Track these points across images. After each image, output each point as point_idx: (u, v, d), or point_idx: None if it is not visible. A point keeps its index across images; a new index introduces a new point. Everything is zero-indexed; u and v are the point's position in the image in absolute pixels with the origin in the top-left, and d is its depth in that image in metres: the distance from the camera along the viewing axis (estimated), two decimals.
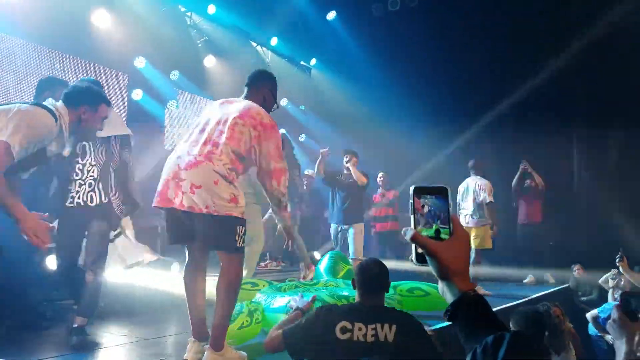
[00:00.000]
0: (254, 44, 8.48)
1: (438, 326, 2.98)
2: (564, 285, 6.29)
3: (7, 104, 2.33)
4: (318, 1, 8.37)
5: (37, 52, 5.64)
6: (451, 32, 8.05)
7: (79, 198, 2.92)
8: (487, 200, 5.63)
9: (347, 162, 5.48)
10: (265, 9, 7.64)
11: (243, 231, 2.37)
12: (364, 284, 2.22)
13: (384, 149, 8.21)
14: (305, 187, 6.99)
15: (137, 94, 6.60)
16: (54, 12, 5.44)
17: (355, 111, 8.60)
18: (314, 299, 2.85)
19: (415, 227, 0.90)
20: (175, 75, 7.07)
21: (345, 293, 3.26)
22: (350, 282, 3.45)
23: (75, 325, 2.87)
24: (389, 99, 8.56)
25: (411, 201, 0.91)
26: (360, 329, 2.03)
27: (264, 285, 3.74)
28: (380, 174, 7.02)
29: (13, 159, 2.16)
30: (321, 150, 5.38)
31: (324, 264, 4.21)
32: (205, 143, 2.37)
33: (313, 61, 9.47)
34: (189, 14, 7.37)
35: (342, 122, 8.69)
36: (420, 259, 0.90)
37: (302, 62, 9.40)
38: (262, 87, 2.69)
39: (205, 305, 2.54)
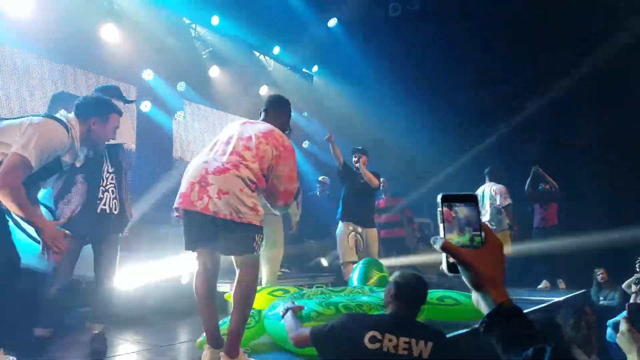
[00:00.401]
0: (257, 54, 8.63)
1: (455, 333, 3.03)
2: (581, 291, 6.16)
3: (20, 117, 2.39)
4: (319, 9, 8.49)
5: (50, 67, 5.83)
6: (454, 35, 8.09)
7: (104, 205, 3.02)
8: (505, 204, 5.80)
9: (356, 162, 5.12)
10: (267, 19, 7.77)
11: (260, 239, 2.44)
12: (401, 296, 2.19)
13: (387, 155, 8.25)
14: (318, 193, 7.12)
15: (146, 106, 6.75)
16: (64, 27, 5.62)
17: (358, 117, 8.74)
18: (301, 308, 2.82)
19: (444, 236, 0.87)
20: (181, 86, 7.22)
21: (365, 299, 3.26)
22: (379, 289, 3.55)
23: (96, 332, 2.98)
24: (392, 104, 8.66)
25: (439, 209, 0.88)
26: (390, 340, 2.03)
27: (294, 292, 3.71)
28: (380, 180, 7.07)
29: (30, 171, 2.22)
30: (326, 137, 4.91)
31: (356, 270, 4.15)
32: (231, 154, 2.46)
33: (315, 68, 9.61)
34: (193, 25, 7.51)
35: (345, 128, 8.82)
36: (452, 269, 0.87)
37: (304, 70, 9.54)
38: (279, 112, 2.83)
39: (217, 311, 2.60)
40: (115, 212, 3.06)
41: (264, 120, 2.76)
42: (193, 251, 2.54)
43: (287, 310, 2.64)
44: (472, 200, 0.89)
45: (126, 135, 3.20)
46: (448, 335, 2.84)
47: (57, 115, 2.49)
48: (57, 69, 5.90)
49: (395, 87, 8.63)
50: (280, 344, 2.87)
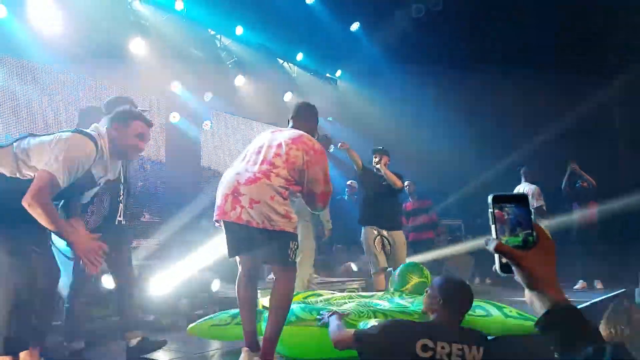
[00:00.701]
0: (281, 61, 8.72)
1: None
2: (621, 290, 5.81)
3: (50, 134, 2.43)
4: (341, 14, 8.52)
5: (80, 81, 6.04)
6: (479, 34, 7.98)
7: (119, 216, 3.13)
8: (537, 205, 5.69)
9: (376, 163, 4.92)
10: (289, 26, 7.84)
11: (295, 246, 2.53)
12: (449, 304, 2.18)
13: (413, 157, 8.17)
14: (346, 197, 7.12)
15: (175, 117, 6.90)
16: (94, 43, 5.81)
17: (383, 120, 8.69)
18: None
19: (497, 237, 0.87)
20: (208, 96, 7.35)
21: (380, 307, 3.25)
22: (414, 295, 3.56)
23: (138, 340, 3.05)
24: (418, 106, 8.59)
25: (491, 210, 0.88)
26: (443, 347, 2.01)
27: (327, 296, 3.76)
28: (406, 183, 6.98)
29: (59, 187, 2.24)
30: (339, 145, 4.74)
31: (395, 275, 4.11)
32: (262, 163, 2.55)
33: (338, 73, 9.63)
34: (218, 36, 7.65)
35: (370, 131, 8.79)
36: (506, 269, 0.87)
37: (327, 75, 9.58)
38: (307, 119, 2.89)
39: (256, 316, 2.69)
40: (124, 223, 3.17)
41: (292, 127, 2.82)
42: (234, 257, 2.62)
43: (332, 313, 2.69)
44: (523, 201, 0.89)
45: None
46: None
47: (90, 128, 2.52)
48: (87, 83, 6.12)
49: (422, 89, 8.55)
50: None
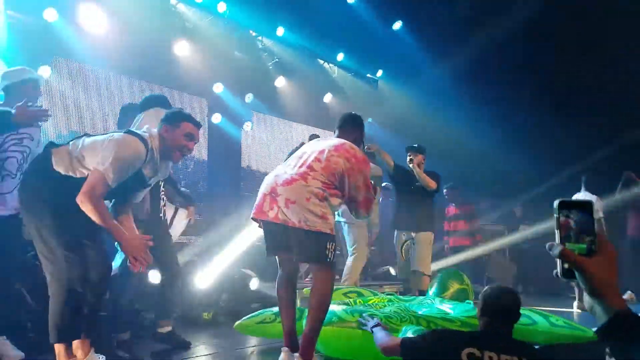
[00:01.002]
0: (321, 61, 8.71)
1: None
2: None
3: (103, 134, 2.56)
4: (383, 12, 8.42)
5: (127, 83, 6.25)
6: (529, 33, 7.67)
7: (161, 213, 3.29)
8: (597, 216, 5.41)
9: (410, 162, 4.68)
10: (330, 26, 7.81)
11: (333, 246, 2.55)
12: (497, 313, 2.15)
13: (457, 161, 7.95)
14: (380, 199, 7.01)
15: (217, 118, 7.03)
16: (140, 46, 5.99)
17: (426, 121, 8.51)
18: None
19: (561, 242, 0.88)
20: (249, 97, 7.45)
21: (421, 312, 3.24)
22: (454, 302, 3.55)
23: (168, 330, 3.20)
24: (463, 107, 8.35)
25: (556, 216, 0.89)
26: (490, 357, 1.97)
27: (368, 295, 3.84)
28: (445, 189, 6.63)
29: (109, 186, 2.34)
30: (366, 148, 4.24)
31: (434, 282, 4.10)
32: (301, 166, 2.63)
33: (379, 73, 9.51)
34: (259, 38, 7.74)
35: (411, 133, 8.62)
36: (568, 275, 0.89)
37: (368, 75, 9.48)
38: (353, 129, 2.95)
39: (296, 315, 2.74)
40: (163, 218, 3.33)
41: (338, 136, 2.92)
42: (272, 256, 2.73)
43: (377, 324, 2.70)
44: (588, 208, 0.90)
45: None
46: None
47: (142, 129, 2.61)
48: (134, 84, 6.32)
49: (467, 90, 8.32)
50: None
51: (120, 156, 2.35)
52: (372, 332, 2.60)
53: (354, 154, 2.70)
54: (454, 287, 3.92)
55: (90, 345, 2.42)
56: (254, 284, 4.69)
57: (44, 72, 5.12)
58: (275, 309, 3.25)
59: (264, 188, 2.64)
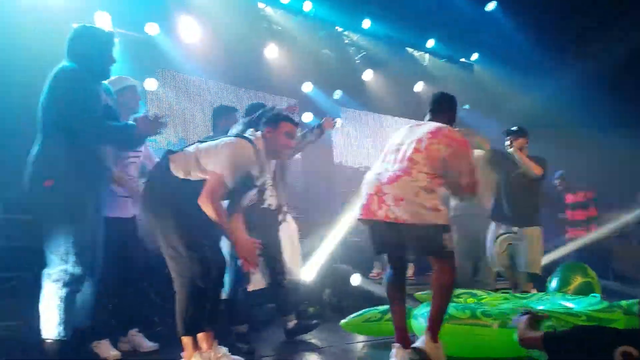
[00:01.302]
0: (410, 50, 8.44)
1: None
2: None
3: (215, 139, 2.68)
4: None
5: (222, 89, 6.54)
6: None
7: (265, 203, 3.32)
8: None
9: (509, 147, 4.20)
10: (418, 13, 7.52)
11: (449, 236, 2.52)
12: None
13: (568, 146, 7.23)
14: None
15: (308, 117, 7.08)
16: (232, 52, 6.23)
17: (528, 105, 7.87)
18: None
19: None
20: (337, 94, 7.42)
21: (540, 308, 3.05)
22: (576, 297, 3.34)
23: (294, 322, 3.37)
24: (567, 89, 7.63)
25: None
26: None
27: (481, 294, 3.74)
28: (556, 179, 6.14)
29: (227, 188, 2.48)
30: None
31: (553, 277, 3.87)
32: (402, 160, 2.57)
33: (474, 56, 8.99)
34: (346, 33, 7.69)
35: (513, 118, 8.04)
36: None
37: (462, 60, 9.02)
38: (445, 110, 2.86)
39: (406, 311, 2.74)
40: (273, 209, 3.36)
41: (431, 119, 2.79)
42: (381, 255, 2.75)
43: (527, 312, 2.58)
44: None
45: None
46: None
47: (247, 133, 2.76)
48: (229, 90, 6.61)
49: (571, 69, 7.57)
50: None
51: (236, 159, 2.50)
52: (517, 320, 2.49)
53: (454, 138, 2.61)
54: (577, 280, 3.66)
55: (213, 337, 2.56)
56: (356, 279, 4.64)
57: (150, 84, 5.53)
58: (380, 307, 3.37)
59: (368, 188, 2.61)
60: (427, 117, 2.85)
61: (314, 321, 3.50)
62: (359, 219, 2.66)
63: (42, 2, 4.64)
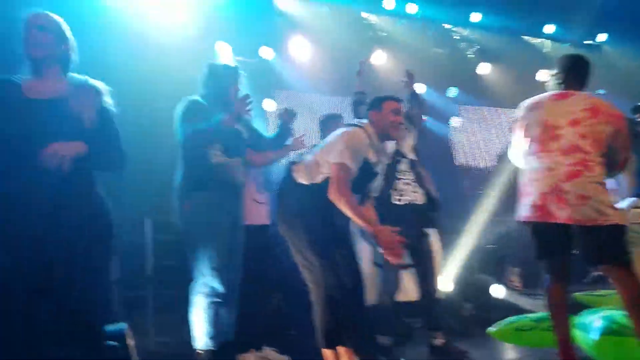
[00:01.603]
0: (526, 38, 7.86)
1: None
2: None
3: (328, 137, 2.74)
4: None
5: (329, 102, 6.55)
6: None
7: (393, 197, 3.27)
8: None
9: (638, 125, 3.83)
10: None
11: (626, 237, 2.28)
12: None
13: None
14: None
15: (423, 119, 6.86)
16: (340, 65, 6.21)
17: None
18: None
19: None
20: (452, 91, 7.18)
21: None
22: None
23: (442, 342, 3.14)
24: None
25: None
26: None
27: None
28: None
29: (351, 174, 2.47)
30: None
31: None
32: (571, 150, 2.32)
33: (603, 37, 8.08)
34: (455, 29, 7.40)
35: None
36: None
37: (587, 42, 8.14)
38: (583, 75, 2.63)
39: (571, 323, 2.46)
40: (401, 204, 3.21)
41: (565, 88, 2.49)
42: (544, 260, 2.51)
43: None
44: None
45: None
46: None
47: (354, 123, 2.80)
48: (333, 102, 6.63)
49: None
50: None
51: (351, 143, 2.53)
52: None
53: (613, 114, 2.41)
54: None
55: (354, 352, 2.45)
56: (497, 291, 4.27)
57: (269, 105, 5.73)
58: (531, 315, 3.14)
59: (540, 187, 2.37)
60: (562, 85, 2.57)
61: (466, 351, 3.19)
62: (529, 221, 2.42)
63: (167, 31, 4.97)
